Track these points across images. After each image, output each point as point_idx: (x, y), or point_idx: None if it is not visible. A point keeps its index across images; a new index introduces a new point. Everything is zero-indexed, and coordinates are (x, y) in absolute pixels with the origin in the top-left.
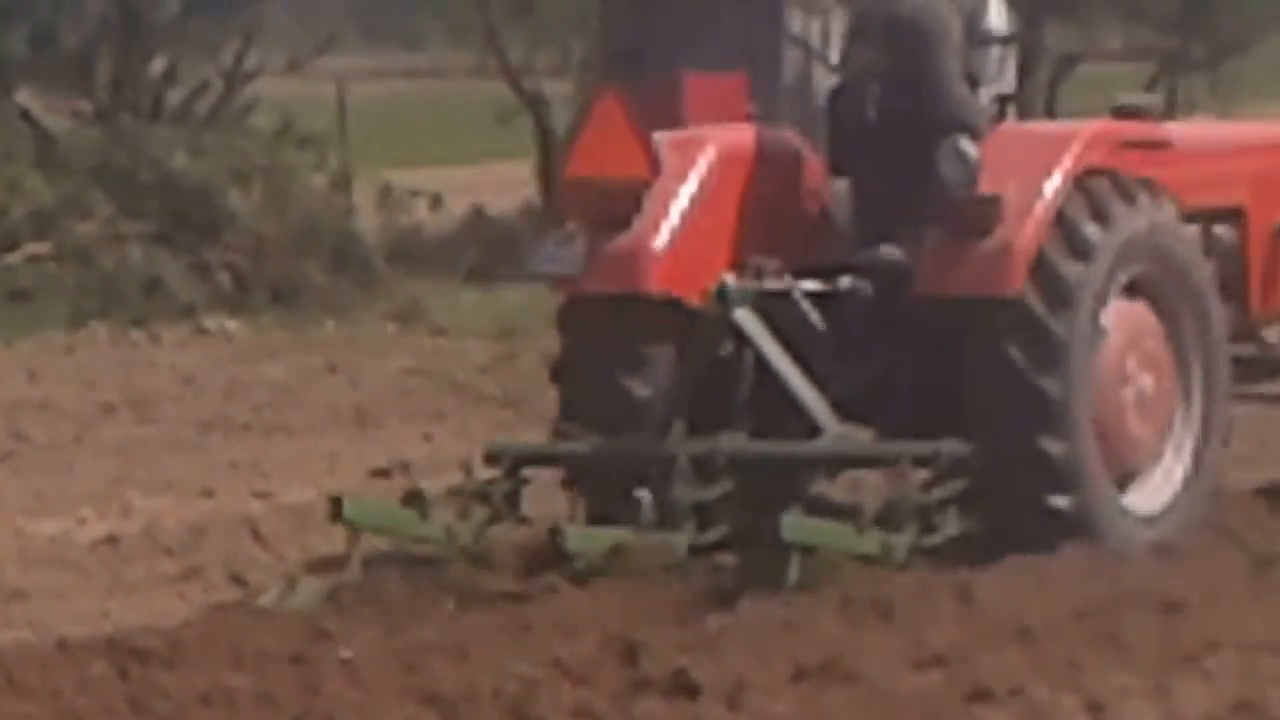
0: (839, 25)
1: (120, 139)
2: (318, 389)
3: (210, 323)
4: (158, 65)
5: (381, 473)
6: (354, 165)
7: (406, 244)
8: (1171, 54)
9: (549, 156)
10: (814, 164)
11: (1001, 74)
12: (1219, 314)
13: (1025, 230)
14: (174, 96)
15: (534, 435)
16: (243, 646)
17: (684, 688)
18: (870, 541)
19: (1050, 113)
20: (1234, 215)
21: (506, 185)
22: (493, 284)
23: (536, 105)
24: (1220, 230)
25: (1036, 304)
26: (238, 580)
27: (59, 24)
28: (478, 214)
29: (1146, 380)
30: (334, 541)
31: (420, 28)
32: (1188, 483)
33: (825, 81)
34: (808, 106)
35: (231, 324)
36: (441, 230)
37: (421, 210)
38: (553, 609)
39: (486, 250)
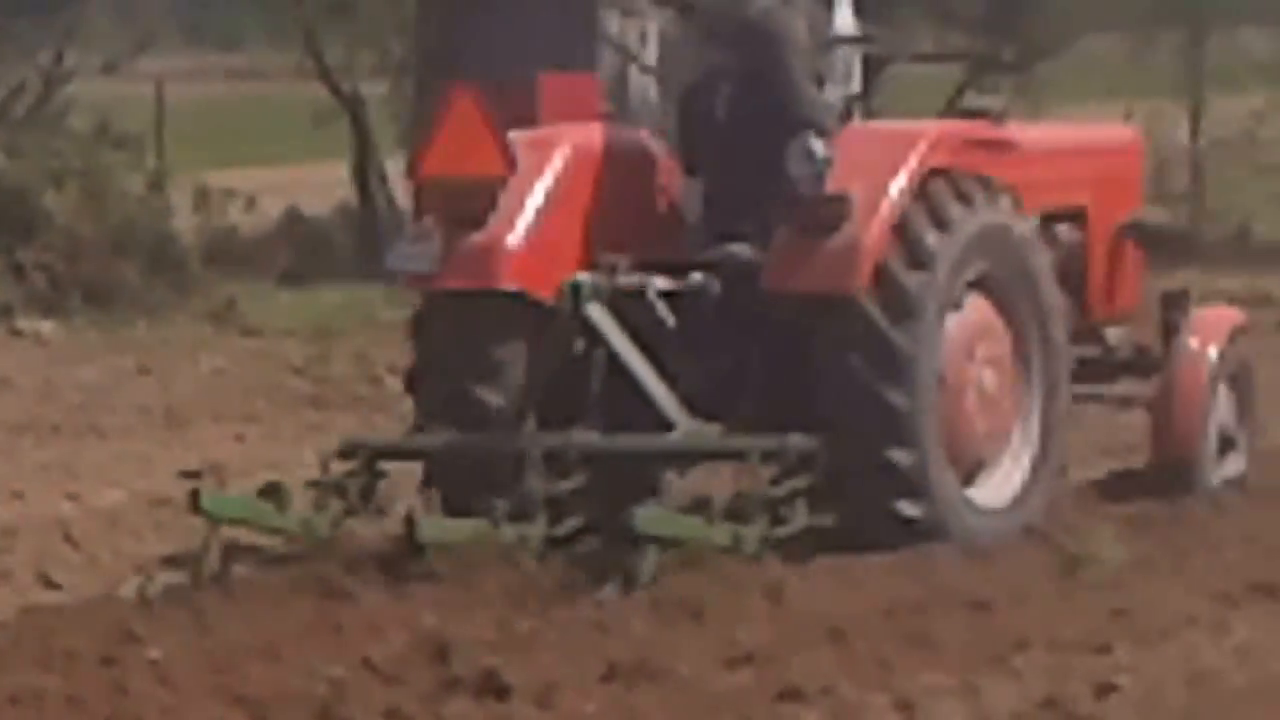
0: (655, 28)
1: None
2: (130, 390)
3: (24, 324)
4: None
5: (192, 474)
6: (171, 166)
7: (222, 245)
8: (982, 57)
9: (365, 157)
10: (666, 163)
11: (848, 75)
12: (1059, 312)
13: (871, 228)
14: None
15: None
16: (52, 647)
17: (494, 688)
18: (721, 533)
19: (869, 115)
20: (1076, 216)
21: (323, 186)
22: (308, 285)
23: (354, 106)
24: (1063, 231)
25: (879, 316)
26: (47, 582)
27: None
28: (293, 215)
29: (990, 377)
30: (145, 542)
31: (240, 28)
32: (1031, 478)
33: (641, 83)
34: (624, 108)
35: (46, 326)
36: (258, 231)
37: (237, 211)
38: (365, 608)
39: (302, 251)
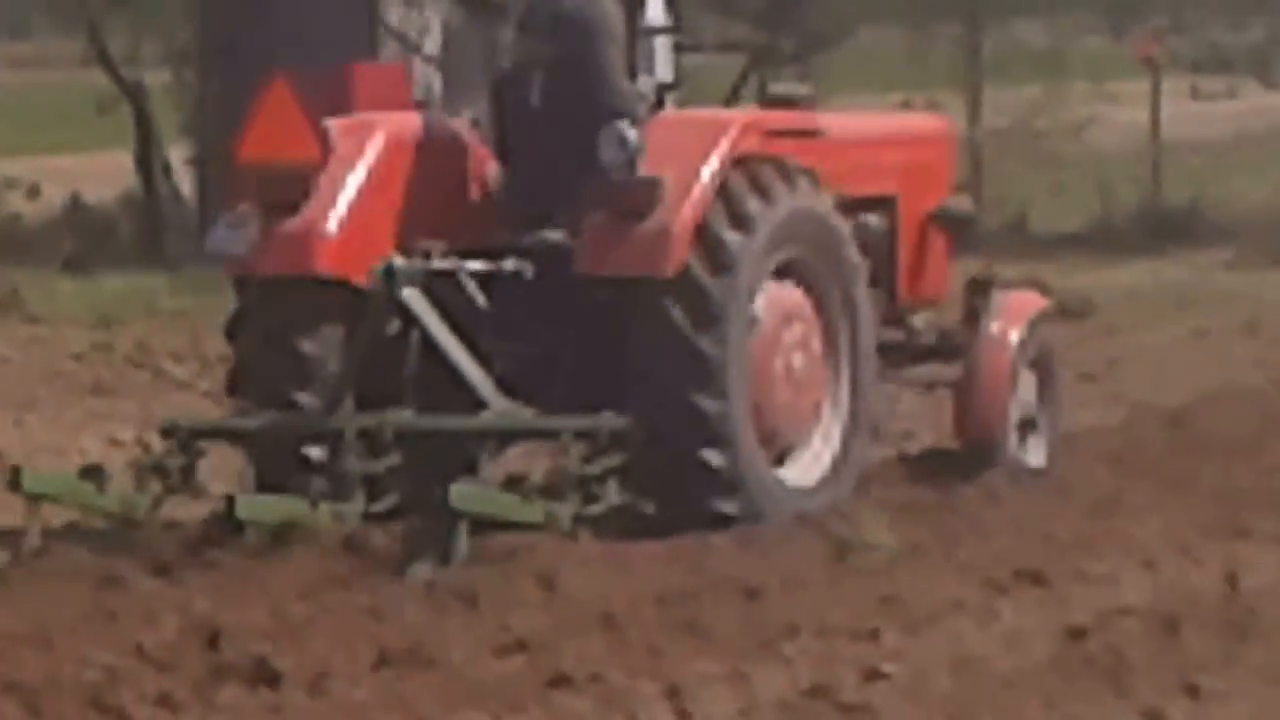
0: (436, 18)
1: None
2: None
3: None
4: None
5: None
6: None
7: (5, 233)
8: (761, 48)
9: (148, 146)
10: (478, 151)
11: (659, 65)
12: (867, 300)
13: (683, 212)
14: None
15: (129, 423)
16: None
17: (265, 675)
18: (535, 510)
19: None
20: (884, 204)
21: (108, 175)
22: (91, 273)
23: (137, 95)
24: (870, 219)
25: (698, 269)
26: None
27: None
28: (76, 203)
29: (798, 360)
30: None
31: (26, 16)
32: (837, 460)
33: (424, 73)
34: None
35: None
36: (41, 219)
37: (20, 200)
38: (137, 595)
39: (85, 240)
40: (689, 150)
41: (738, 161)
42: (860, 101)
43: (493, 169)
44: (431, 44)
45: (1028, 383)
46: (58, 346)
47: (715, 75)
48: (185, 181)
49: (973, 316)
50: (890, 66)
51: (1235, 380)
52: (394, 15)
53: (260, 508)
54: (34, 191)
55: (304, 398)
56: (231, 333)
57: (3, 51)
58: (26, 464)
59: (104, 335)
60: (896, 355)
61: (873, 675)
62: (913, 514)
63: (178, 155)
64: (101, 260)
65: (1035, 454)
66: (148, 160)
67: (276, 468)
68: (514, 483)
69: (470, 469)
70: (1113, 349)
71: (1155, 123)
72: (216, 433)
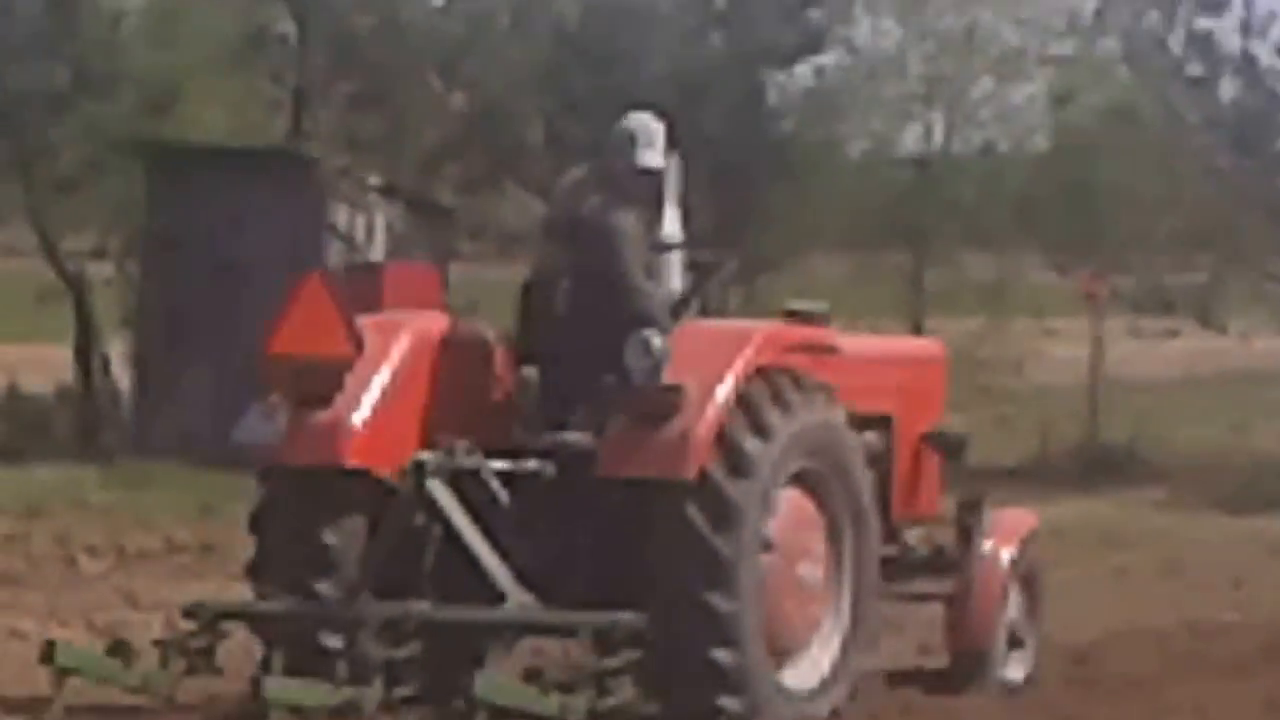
0: (381, 221)
1: None
2: None
3: None
4: None
5: None
6: None
7: None
8: (709, 266)
9: (88, 338)
10: (502, 353)
11: (673, 278)
12: (874, 512)
13: (704, 418)
14: None
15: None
16: None
17: None
18: (551, 704)
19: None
20: (884, 421)
21: (46, 365)
22: (23, 463)
23: (77, 286)
24: (869, 436)
25: (717, 474)
26: None
27: None
28: (12, 392)
29: (805, 567)
30: None
31: None
32: (841, 660)
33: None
34: None
35: None
36: None
37: None
38: None
39: (20, 429)
40: (712, 359)
41: (757, 372)
42: None
43: (515, 371)
44: (376, 249)
45: (1016, 599)
46: None
47: None
48: (123, 375)
49: (965, 533)
50: (834, 291)
51: (1147, 620)
52: (341, 217)
53: (288, 691)
54: None
55: (324, 586)
56: (255, 523)
57: None
58: None
59: (25, 526)
60: (889, 569)
61: None
62: None
63: (116, 349)
64: (35, 450)
65: (1017, 669)
66: (86, 352)
67: (297, 652)
68: (531, 676)
69: (478, 661)
70: None
71: (1096, 360)
72: (240, 615)
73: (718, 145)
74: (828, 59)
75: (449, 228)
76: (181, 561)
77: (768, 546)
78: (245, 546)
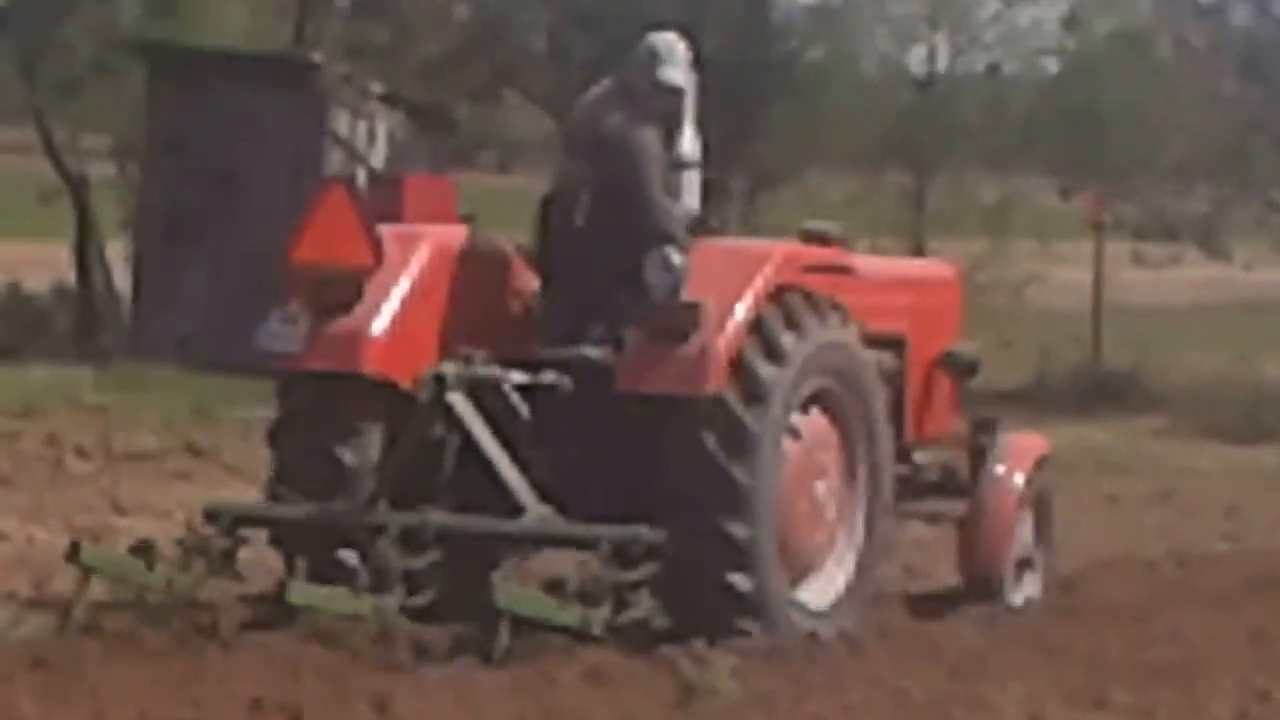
0: (384, 130)
1: None
2: None
3: None
4: None
5: None
6: None
7: None
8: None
9: (87, 238)
10: (520, 265)
11: (691, 197)
12: (887, 431)
13: (724, 335)
14: None
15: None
16: None
17: None
18: (571, 615)
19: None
20: (897, 343)
21: (46, 263)
22: (19, 361)
23: (78, 187)
24: (883, 357)
25: (732, 399)
26: None
27: None
28: (12, 291)
29: (821, 486)
30: None
31: None
32: (851, 585)
33: (366, 182)
34: None
35: None
36: None
37: None
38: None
39: (18, 328)
40: (730, 278)
41: (774, 293)
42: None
43: (534, 284)
44: (377, 156)
45: (1027, 522)
46: None
47: None
48: (120, 275)
49: (977, 455)
50: (835, 210)
51: (1137, 549)
52: (342, 125)
53: (311, 595)
54: None
55: (343, 489)
56: (274, 437)
57: None
58: None
59: (17, 425)
60: (901, 489)
61: None
62: (771, 661)
63: (116, 249)
64: (33, 349)
65: (1026, 592)
66: (84, 252)
67: (315, 558)
68: (552, 587)
69: (493, 569)
70: None
71: (1098, 286)
72: (259, 519)
73: (721, 63)
74: None
75: (451, 138)
76: (170, 465)
77: (796, 435)
78: (234, 450)
